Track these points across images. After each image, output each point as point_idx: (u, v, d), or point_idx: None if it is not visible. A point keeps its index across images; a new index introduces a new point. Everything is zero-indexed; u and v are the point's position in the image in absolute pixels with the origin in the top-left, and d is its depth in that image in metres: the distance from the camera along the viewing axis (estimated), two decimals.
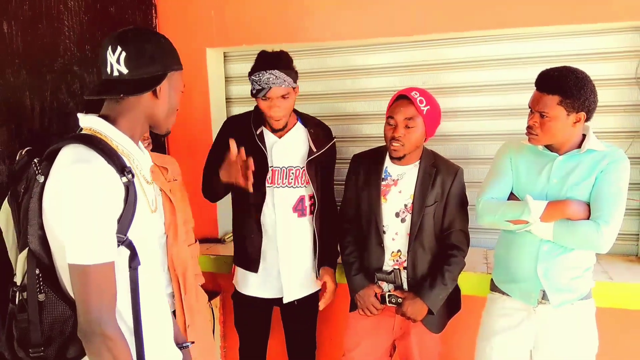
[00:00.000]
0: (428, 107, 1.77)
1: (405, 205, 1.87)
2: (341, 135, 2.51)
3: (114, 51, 1.11)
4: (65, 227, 1.02)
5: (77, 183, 1.01)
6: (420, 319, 1.84)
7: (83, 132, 1.13)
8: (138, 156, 1.18)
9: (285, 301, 2.00)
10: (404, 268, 1.88)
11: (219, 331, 2.56)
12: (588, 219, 1.60)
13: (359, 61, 2.47)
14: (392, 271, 1.88)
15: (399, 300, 1.86)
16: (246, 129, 1.96)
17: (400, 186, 1.88)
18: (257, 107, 2.02)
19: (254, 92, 1.87)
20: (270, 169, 1.94)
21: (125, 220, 1.07)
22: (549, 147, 1.69)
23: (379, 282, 1.91)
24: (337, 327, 2.33)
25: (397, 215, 1.88)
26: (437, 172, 1.86)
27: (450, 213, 1.87)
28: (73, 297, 1.06)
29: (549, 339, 1.72)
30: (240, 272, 2.07)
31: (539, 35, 2.21)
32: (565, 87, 1.54)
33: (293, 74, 1.88)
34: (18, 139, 2.76)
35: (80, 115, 1.16)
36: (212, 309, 2.43)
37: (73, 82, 2.65)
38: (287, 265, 1.99)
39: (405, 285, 1.89)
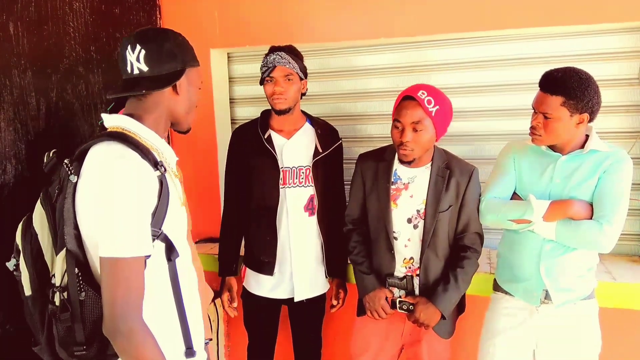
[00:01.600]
0: (437, 107, 1.64)
1: (418, 211, 1.77)
2: (344, 136, 2.51)
3: (133, 50, 1.14)
4: (100, 221, 1.03)
5: (116, 178, 1.03)
6: (434, 324, 1.75)
7: (111, 130, 1.15)
8: (165, 151, 1.22)
9: (296, 300, 2.02)
10: (417, 275, 1.80)
11: (223, 330, 2.57)
12: (591, 218, 1.60)
13: (362, 61, 2.48)
14: (405, 277, 1.80)
15: (411, 307, 1.77)
16: (254, 135, 1.98)
17: (411, 190, 1.78)
18: (263, 113, 2.05)
19: (262, 77, 1.92)
20: (281, 170, 1.95)
21: (160, 214, 1.10)
22: (552, 147, 1.69)
23: (390, 287, 1.83)
24: (342, 326, 2.34)
25: (409, 221, 1.78)
26: (451, 174, 1.75)
27: (465, 216, 1.77)
28: None
29: (551, 339, 1.72)
30: (252, 274, 2.07)
31: (540, 35, 2.21)
32: (569, 88, 1.54)
33: (300, 63, 1.93)
34: (23, 139, 2.78)
35: (105, 116, 1.18)
36: (216, 308, 2.44)
37: (78, 83, 2.67)
38: (299, 265, 2.00)
39: (417, 292, 1.81)
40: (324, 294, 2.12)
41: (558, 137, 1.62)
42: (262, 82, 1.94)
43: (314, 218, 2.02)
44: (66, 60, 2.66)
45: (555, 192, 1.66)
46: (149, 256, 1.09)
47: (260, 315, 2.12)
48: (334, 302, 2.12)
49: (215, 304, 2.45)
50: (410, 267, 1.82)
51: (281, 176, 1.95)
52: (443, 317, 1.75)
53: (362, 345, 1.93)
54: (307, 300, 2.04)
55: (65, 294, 1.06)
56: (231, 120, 2.74)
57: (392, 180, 1.80)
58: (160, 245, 1.12)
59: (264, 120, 2.01)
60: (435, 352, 1.86)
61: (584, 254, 1.67)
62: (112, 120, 1.17)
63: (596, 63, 2.15)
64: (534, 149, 1.73)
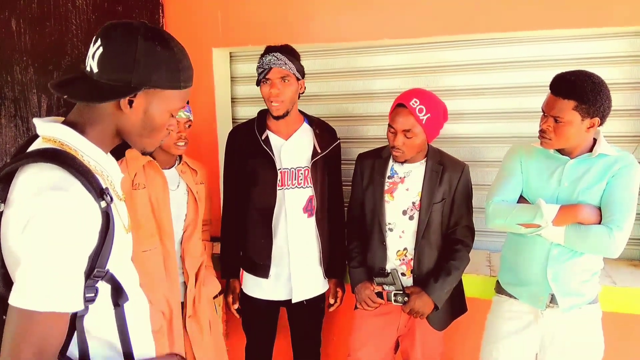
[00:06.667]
0: (428, 115, 1.73)
1: (413, 203, 1.87)
2: (345, 136, 2.52)
3: (95, 42, 0.96)
4: (23, 263, 0.84)
5: (48, 215, 0.84)
6: (428, 313, 1.84)
7: (45, 143, 0.95)
8: (109, 169, 1.04)
9: (294, 301, 2.00)
10: (411, 268, 1.88)
11: (222, 330, 2.56)
12: (599, 223, 1.59)
13: (364, 63, 2.48)
14: (390, 272, 1.87)
15: (405, 299, 1.86)
16: (251, 136, 1.96)
17: (407, 184, 1.88)
18: (260, 113, 2.04)
19: (258, 79, 1.90)
20: (279, 171, 1.93)
21: (105, 253, 0.93)
22: (560, 151, 1.68)
23: (377, 285, 1.90)
24: (342, 325, 2.34)
25: (404, 213, 1.88)
26: (444, 169, 1.86)
27: (457, 209, 1.88)
28: None
29: (555, 343, 1.72)
30: (249, 277, 2.06)
31: (543, 38, 2.21)
32: (582, 92, 1.52)
33: (297, 63, 1.89)
34: (25, 135, 2.78)
35: (37, 121, 0.97)
36: (215, 308, 2.43)
37: None
38: (298, 267, 1.99)
39: (404, 286, 1.89)
40: (323, 294, 2.11)
41: (568, 141, 1.60)
42: (258, 83, 1.92)
43: (313, 219, 2.01)
44: (68, 58, 2.66)
45: (563, 196, 1.64)
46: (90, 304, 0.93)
47: (258, 317, 2.10)
48: (332, 301, 2.12)
49: (215, 304, 2.44)
50: (403, 259, 1.90)
51: (279, 178, 1.94)
52: (436, 307, 1.84)
53: (360, 340, 2.01)
54: (306, 301, 2.03)
55: None
56: (233, 119, 2.74)
57: (389, 174, 1.92)
58: (106, 287, 0.96)
59: (261, 121, 1.99)
60: (429, 343, 1.94)
61: (589, 258, 1.66)
62: (47, 129, 0.95)
63: (599, 67, 2.15)
64: (541, 152, 1.71)
